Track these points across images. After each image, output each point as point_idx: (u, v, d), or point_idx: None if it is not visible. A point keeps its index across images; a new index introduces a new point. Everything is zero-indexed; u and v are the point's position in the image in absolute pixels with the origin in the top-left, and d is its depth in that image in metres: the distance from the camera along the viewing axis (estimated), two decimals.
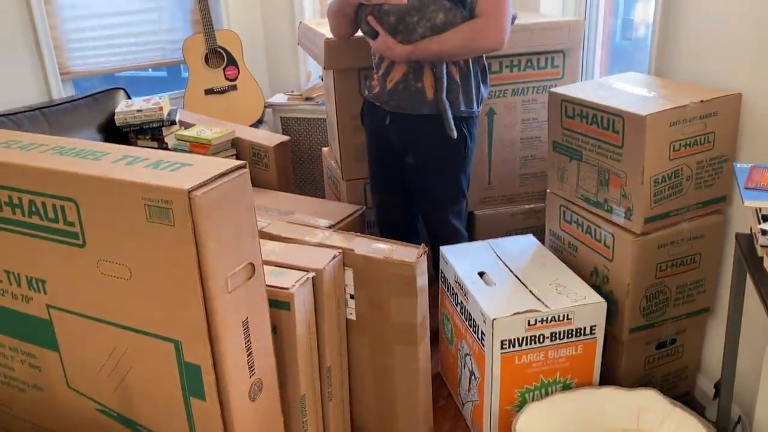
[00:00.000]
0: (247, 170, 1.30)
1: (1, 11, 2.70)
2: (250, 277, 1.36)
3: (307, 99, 3.24)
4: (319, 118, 3.18)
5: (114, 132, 2.79)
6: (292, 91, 3.38)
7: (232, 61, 3.19)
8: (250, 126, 3.21)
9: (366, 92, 2.13)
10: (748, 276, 1.46)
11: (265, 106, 3.27)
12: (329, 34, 2.24)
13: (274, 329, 1.53)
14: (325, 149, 2.80)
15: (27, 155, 1.39)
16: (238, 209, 1.29)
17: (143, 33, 3.20)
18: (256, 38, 3.40)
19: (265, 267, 1.48)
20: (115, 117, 2.76)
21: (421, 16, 1.80)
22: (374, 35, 1.90)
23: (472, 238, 2.38)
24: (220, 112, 3.14)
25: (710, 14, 1.84)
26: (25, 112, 2.62)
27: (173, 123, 2.80)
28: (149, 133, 2.77)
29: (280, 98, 3.31)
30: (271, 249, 1.70)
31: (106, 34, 3.10)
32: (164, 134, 2.77)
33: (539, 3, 2.74)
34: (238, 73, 3.20)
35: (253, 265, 1.35)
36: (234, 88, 3.21)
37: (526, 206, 2.54)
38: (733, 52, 1.77)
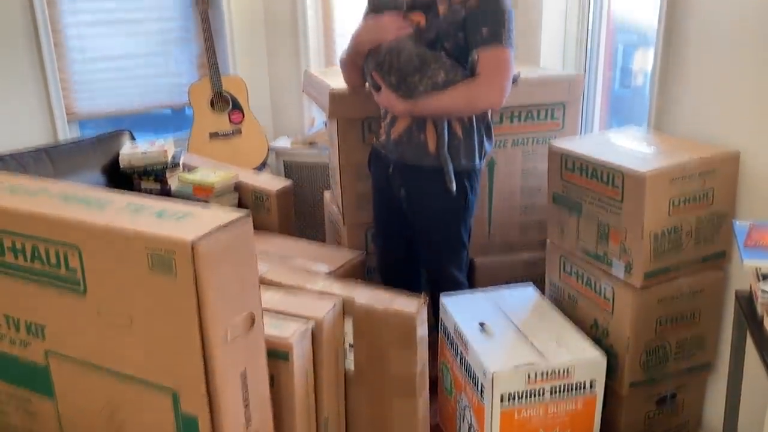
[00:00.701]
0: (249, 219, 1.31)
1: (13, 53, 2.75)
2: (250, 328, 1.35)
3: (310, 144, 3.28)
4: (322, 163, 3.21)
5: (118, 174, 2.81)
6: (296, 136, 3.42)
7: (237, 106, 3.24)
8: (254, 170, 3.24)
9: (374, 139, 2.17)
10: (749, 334, 1.45)
11: (268, 151, 3.30)
12: (334, 84, 2.29)
13: (272, 379, 1.52)
14: (327, 193, 2.82)
15: (32, 201, 1.40)
16: (240, 259, 1.30)
17: (150, 76, 3.26)
18: (262, 83, 3.45)
19: (265, 315, 1.48)
20: (120, 159, 2.79)
21: (423, 75, 1.83)
22: (378, 89, 1.94)
23: (472, 285, 2.37)
24: (224, 156, 3.17)
25: (709, 72, 1.88)
26: (30, 152, 2.65)
27: (177, 166, 2.83)
28: (153, 175, 2.80)
29: (283, 143, 3.34)
30: (270, 296, 1.69)
31: (114, 77, 3.15)
32: (168, 176, 2.80)
33: (539, 55, 2.80)
34: (243, 117, 3.25)
35: (253, 315, 1.35)
36: (238, 132, 3.24)
37: (527, 255, 2.54)
38: (732, 109, 1.80)
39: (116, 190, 1.47)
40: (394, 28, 1.88)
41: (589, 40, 2.76)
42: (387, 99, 1.92)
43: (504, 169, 2.45)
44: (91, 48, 3.05)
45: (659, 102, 2.07)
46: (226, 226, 1.25)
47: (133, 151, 2.80)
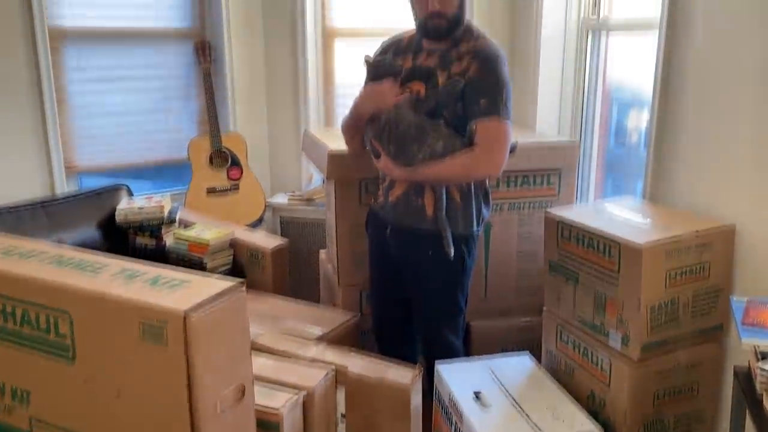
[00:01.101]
0: (243, 289, 1.30)
1: (15, 108, 2.78)
2: (240, 399, 1.32)
3: (308, 201, 3.29)
4: (319, 220, 3.21)
5: (114, 229, 2.81)
6: (293, 192, 3.43)
7: (235, 163, 3.26)
8: (250, 225, 3.24)
9: (372, 201, 2.17)
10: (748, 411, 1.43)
11: (265, 207, 3.30)
12: (332, 145, 2.31)
13: None
14: (322, 252, 2.82)
15: (25, 264, 1.39)
16: (232, 330, 1.28)
17: (150, 131, 3.28)
18: (261, 140, 3.49)
19: (255, 384, 1.45)
20: (116, 214, 2.79)
21: (421, 144, 1.85)
22: (378, 155, 1.96)
23: (467, 349, 2.35)
24: (220, 212, 3.18)
25: (704, 144, 1.90)
26: (26, 206, 2.64)
27: (173, 222, 2.83)
28: (149, 231, 2.79)
29: (280, 199, 3.35)
30: (262, 363, 1.67)
31: (115, 132, 3.18)
32: (163, 232, 2.79)
33: (536, 119, 2.84)
34: (241, 174, 3.27)
35: (243, 387, 1.32)
36: (236, 188, 3.26)
37: (523, 320, 2.52)
38: (727, 183, 1.82)
39: (112, 254, 1.46)
40: (392, 94, 1.91)
41: (584, 107, 2.81)
42: (386, 166, 1.94)
43: (500, 233, 2.45)
44: (93, 104, 3.09)
45: (654, 173, 2.09)
46: (219, 295, 1.24)
47: (130, 206, 2.80)
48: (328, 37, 3.39)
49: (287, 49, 3.36)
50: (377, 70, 1.94)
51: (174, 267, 1.38)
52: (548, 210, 2.02)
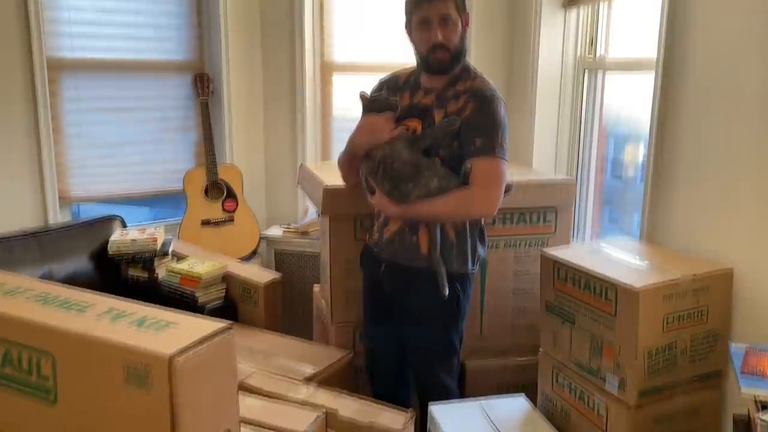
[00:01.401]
0: (232, 332, 1.27)
1: (10, 137, 2.77)
2: None
3: (303, 234, 3.27)
4: (314, 253, 3.18)
5: (106, 260, 2.77)
6: (289, 224, 3.41)
7: (231, 195, 3.24)
8: (244, 258, 3.22)
9: (367, 237, 2.15)
10: None
11: (259, 239, 3.28)
12: (328, 180, 2.29)
13: None
14: (316, 287, 2.78)
15: (9, 302, 1.36)
16: (219, 374, 1.24)
17: (147, 162, 3.28)
18: (257, 172, 3.48)
19: (243, 427, 1.41)
20: (109, 246, 2.76)
21: (416, 182, 1.84)
22: (372, 192, 1.94)
23: (462, 389, 2.30)
24: (214, 243, 3.15)
25: (702, 185, 1.89)
26: (18, 237, 2.61)
27: (166, 254, 2.80)
28: (141, 262, 2.76)
29: (275, 231, 3.33)
30: (250, 405, 1.63)
31: (111, 162, 3.17)
32: (156, 265, 2.76)
33: (532, 157, 2.84)
34: (237, 206, 3.25)
35: None
36: (231, 220, 3.24)
37: (519, 359, 2.48)
38: (725, 225, 1.80)
39: (99, 292, 1.42)
40: (387, 128, 1.90)
41: (581, 145, 2.81)
42: (380, 203, 1.92)
43: (496, 271, 2.43)
44: (89, 134, 3.08)
45: (651, 213, 2.07)
46: (206, 339, 1.21)
47: (123, 238, 2.77)
48: (326, 71, 3.40)
49: (285, 82, 3.37)
50: (373, 106, 1.94)
51: (161, 307, 1.35)
52: (544, 250, 2.00)
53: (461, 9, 1.90)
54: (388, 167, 1.85)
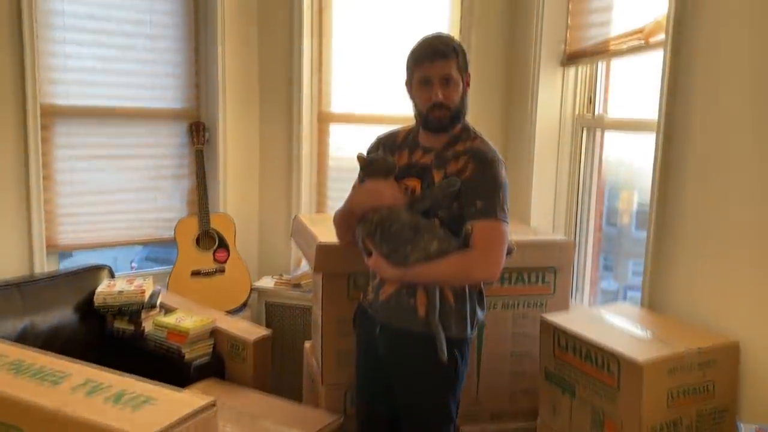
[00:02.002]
0: (215, 409, 1.20)
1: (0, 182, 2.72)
2: None
3: (295, 286, 3.19)
4: (306, 305, 3.11)
5: (91, 311, 2.69)
6: (281, 275, 3.34)
7: (223, 245, 3.18)
8: (235, 309, 3.14)
9: (361, 296, 2.08)
10: None
11: (250, 290, 3.21)
12: (322, 236, 2.24)
13: None
14: (307, 344, 2.70)
15: None
16: None
17: (138, 210, 3.22)
18: (251, 222, 3.43)
19: None
20: (95, 297, 2.68)
21: (415, 245, 1.79)
22: (369, 254, 1.89)
23: None
24: (204, 294, 3.08)
25: (705, 252, 1.85)
26: (0, 287, 2.54)
27: (154, 306, 2.72)
28: (128, 315, 2.68)
29: (267, 282, 3.26)
30: None
31: (101, 210, 3.11)
32: (143, 317, 2.68)
33: (530, 215, 2.80)
34: (228, 256, 3.19)
35: None
36: (222, 271, 3.17)
37: (516, 425, 2.39)
38: (729, 294, 1.75)
39: (78, 361, 1.35)
40: (389, 195, 1.85)
41: (579, 203, 2.77)
42: (377, 265, 1.86)
43: (493, 333, 2.36)
44: (81, 181, 3.03)
45: (653, 280, 2.02)
46: (188, 418, 1.14)
47: (109, 289, 2.69)
48: (323, 121, 3.39)
49: (282, 132, 3.35)
50: (371, 167, 1.89)
51: (142, 379, 1.27)
52: (545, 316, 1.94)
53: (463, 69, 1.88)
54: (386, 229, 1.80)
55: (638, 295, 2.90)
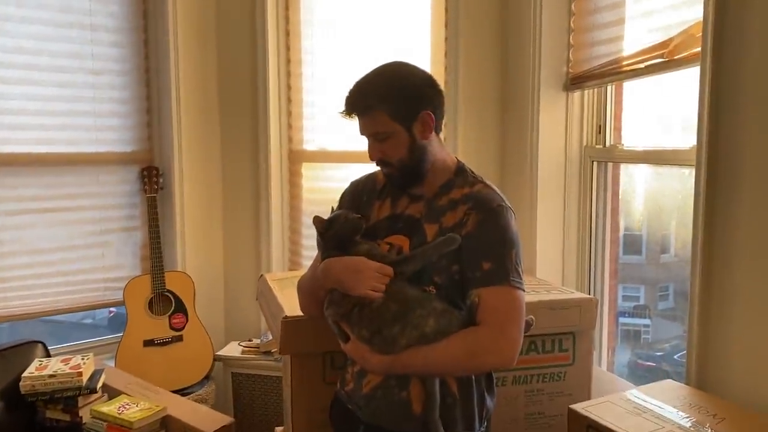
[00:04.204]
0: None
1: None
2: None
3: (266, 353, 2.76)
4: (278, 376, 2.68)
5: (20, 398, 2.24)
6: (250, 340, 2.91)
7: (180, 308, 2.75)
8: (196, 384, 2.70)
9: (338, 385, 1.65)
10: None
11: (214, 360, 2.77)
12: (289, 307, 1.82)
13: None
14: (278, 430, 2.26)
15: None
16: None
17: (82, 271, 2.79)
18: (214, 280, 3.01)
19: None
20: (21, 383, 2.22)
21: (405, 324, 1.38)
22: (345, 339, 1.47)
23: None
24: (159, 368, 2.64)
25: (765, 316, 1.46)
26: None
27: (94, 391, 2.27)
28: (62, 403, 2.23)
29: (233, 350, 2.82)
30: None
31: (37, 272, 2.69)
32: (80, 405, 2.23)
33: (535, 265, 2.40)
34: (186, 321, 2.75)
35: None
36: (179, 339, 2.73)
37: None
38: None
39: None
40: (373, 280, 1.42)
41: (592, 249, 2.39)
42: (357, 354, 1.45)
43: (503, 414, 1.94)
44: (11, 241, 2.61)
45: (700, 352, 1.63)
46: None
47: (40, 373, 2.24)
48: (294, 161, 2.99)
49: (248, 175, 2.97)
50: (329, 231, 1.48)
51: None
52: (573, 407, 1.53)
53: (403, 116, 1.46)
54: (365, 309, 1.39)
55: (631, 322, 2.61)
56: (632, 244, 2.59)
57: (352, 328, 1.43)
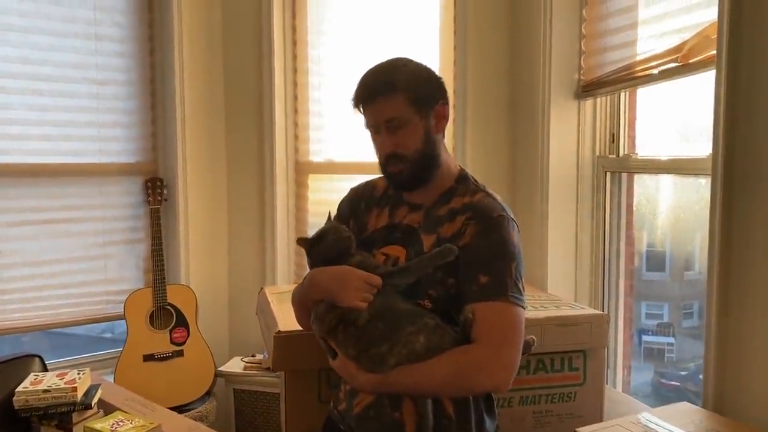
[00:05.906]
0: None
1: None
2: None
3: (268, 369, 2.68)
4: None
5: (15, 414, 2.18)
6: (253, 355, 2.84)
7: (182, 322, 2.69)
8: (197, 400, 2.63)
9: (331, 404, 1.57)
10: None
11: (215, 376, 2.70)
12: (285, 321, 1.75)
13: None
14: None
15: None
16: None
17: (84, 283, 2.74)
18: (218, 293, 2.95)
19: None
20: (14, 398, 2.17)
21: (394, 343, 1.31)
22: (333, 355, 1.40)
23: None
24: (159, 383, 2.58)
25: None
26: None
27: (88, 407, 2.21)
28: (56, 419, 2.16)
29: (235, 365, 2.75)
30: None
31: (37, 285, 2.64)
32: (75, 421, 2.17)
33: (546, 280, 2.30)
34: (188, 336, 2.69)
35: None
36: (180, 354, 2.67)
37: None
38: None
39: None
40: (360, 290, 1.35)
41: (606, 263, 2.28)
42: (345, 371, 1.37)
43: None
44: (11, 252, 2.57)
45: (718, 371, 1.52)
46: None
47: (34, 388, 2.17)
48: (301, 173, 2.93)
49: (253, 186, 2.91)
50: (316, 247, 1.41)
51: None
52: (580, 431, 1.43)
53: (423, 102, 1.40)
54: (351, 324, 1.32)
55: (654, 340, 2.51)
56: (655, 259, 2.49)
57: (338, 346, 1.36)
